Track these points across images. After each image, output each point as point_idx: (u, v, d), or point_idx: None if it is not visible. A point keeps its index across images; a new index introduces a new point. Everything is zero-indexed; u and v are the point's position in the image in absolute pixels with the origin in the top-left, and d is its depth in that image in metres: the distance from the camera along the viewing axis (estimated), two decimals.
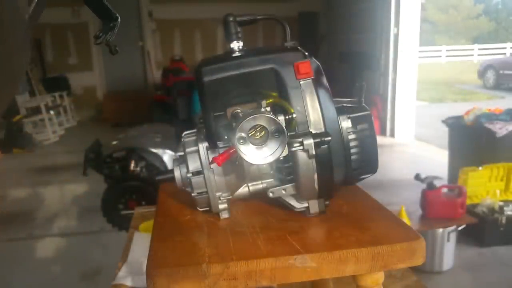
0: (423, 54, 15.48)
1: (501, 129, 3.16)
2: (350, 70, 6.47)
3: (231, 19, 0.74)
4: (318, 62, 0.71)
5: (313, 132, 0.68)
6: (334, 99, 0.72)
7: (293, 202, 0.74)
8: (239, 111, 0.70)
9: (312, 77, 0.69)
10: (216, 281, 0.61)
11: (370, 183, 0.88)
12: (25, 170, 4.94)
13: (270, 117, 0.64)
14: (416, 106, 6.06)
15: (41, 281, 2.59)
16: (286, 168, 0.72)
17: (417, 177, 2.64)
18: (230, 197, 0.76)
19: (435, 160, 4.64)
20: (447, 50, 20.93)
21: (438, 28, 30.64)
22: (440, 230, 2.47)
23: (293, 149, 0.67)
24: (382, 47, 5.95)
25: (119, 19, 0.72)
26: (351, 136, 0.72)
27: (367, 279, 0.69)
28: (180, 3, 7.95)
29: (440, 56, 20.46)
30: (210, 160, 0.72)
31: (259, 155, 0.65)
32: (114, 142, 3.26)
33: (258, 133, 0.65)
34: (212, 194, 0.74)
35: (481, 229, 2.74)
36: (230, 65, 0.69)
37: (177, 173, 0.77)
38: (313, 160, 0.68)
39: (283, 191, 0.73)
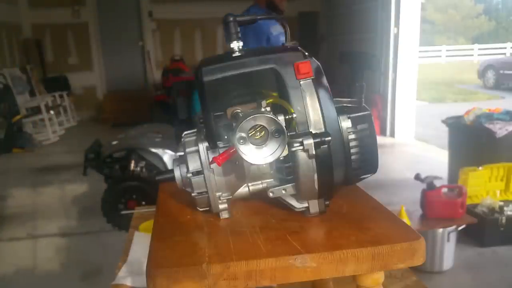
0: (423, 54, 15.51)
1: (501, 129, 3.16)
2: (350, 70, 6.45)
3: (231, 19, 0.74)
4: (318, 62, 0.71)
5: (313, 132, 0.68)
6: (334, 99, 0.72)
7: (293, 202, 0.74)
8: (239, 111, 0.71)
9: (312, 77, 0.69)
10: (216, 281, 0.61)
11: (370, 183, 0.88)
12: (25, 170, 4.93)
13: (270, 117, 0.64)
14: (416, 106, 6.05)
15: (41, 281, 2.59)
16: (286, 168, 0.72)
17: (417, 177, 2.63)
18: (230, 197, 0.76)
19: (435, 160, 4.64)
20: (447, 50, 20.97)
21: (437, 28, 30.65)
22: (440, 230, 2.47)
23: (293, 149, 0.67)
24: (382, 47, 5.95)
25: None
26: (351, 136, 0.72)
27: (367, 279, 0.69)
28: (180, 3, 7.95)
29: (440, 56, 20.48)
30: (210, 160, 0.72)
31: (259, 155, 0.65)
32: (114, 142, 3.25)
33: (258, 133, 0.65)
34: (212, 194, 0.74)
35: (481, 229, 2.74)
36: (230, 65, 0.69)
37: (177, 173, 0.77)
38: (313, 160, 0.68)
39: (283, 191, 0.73)
